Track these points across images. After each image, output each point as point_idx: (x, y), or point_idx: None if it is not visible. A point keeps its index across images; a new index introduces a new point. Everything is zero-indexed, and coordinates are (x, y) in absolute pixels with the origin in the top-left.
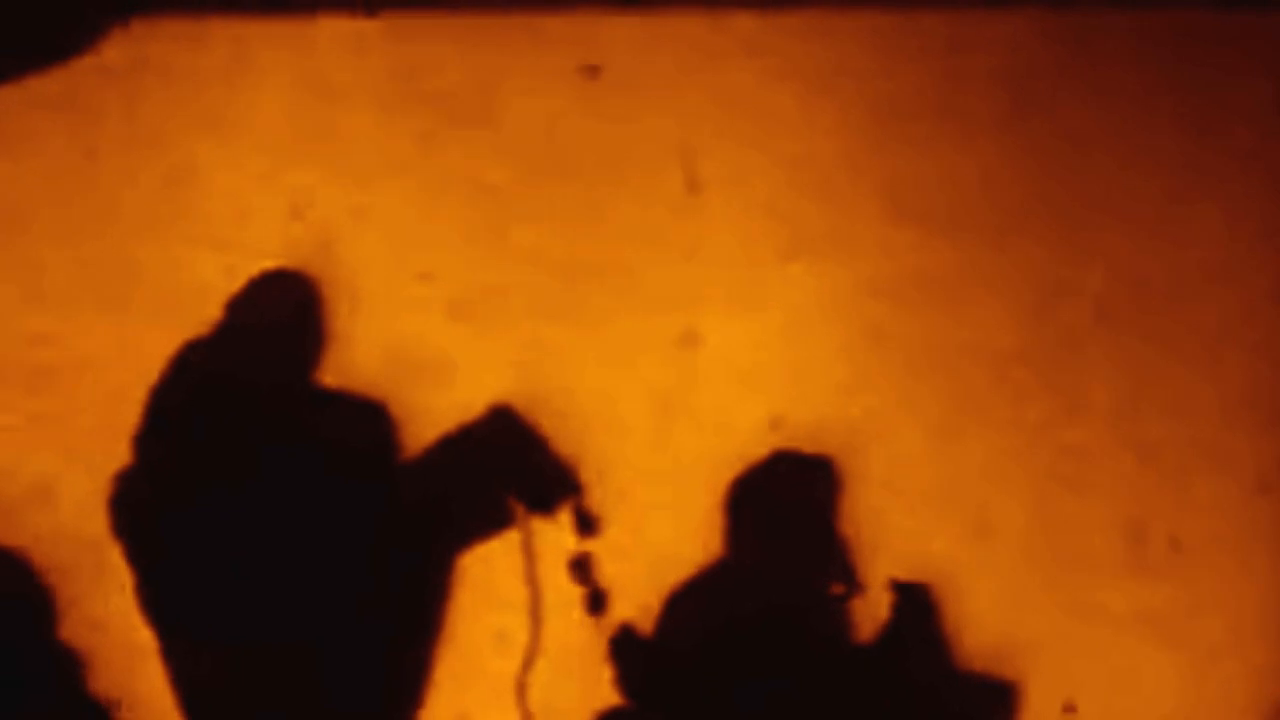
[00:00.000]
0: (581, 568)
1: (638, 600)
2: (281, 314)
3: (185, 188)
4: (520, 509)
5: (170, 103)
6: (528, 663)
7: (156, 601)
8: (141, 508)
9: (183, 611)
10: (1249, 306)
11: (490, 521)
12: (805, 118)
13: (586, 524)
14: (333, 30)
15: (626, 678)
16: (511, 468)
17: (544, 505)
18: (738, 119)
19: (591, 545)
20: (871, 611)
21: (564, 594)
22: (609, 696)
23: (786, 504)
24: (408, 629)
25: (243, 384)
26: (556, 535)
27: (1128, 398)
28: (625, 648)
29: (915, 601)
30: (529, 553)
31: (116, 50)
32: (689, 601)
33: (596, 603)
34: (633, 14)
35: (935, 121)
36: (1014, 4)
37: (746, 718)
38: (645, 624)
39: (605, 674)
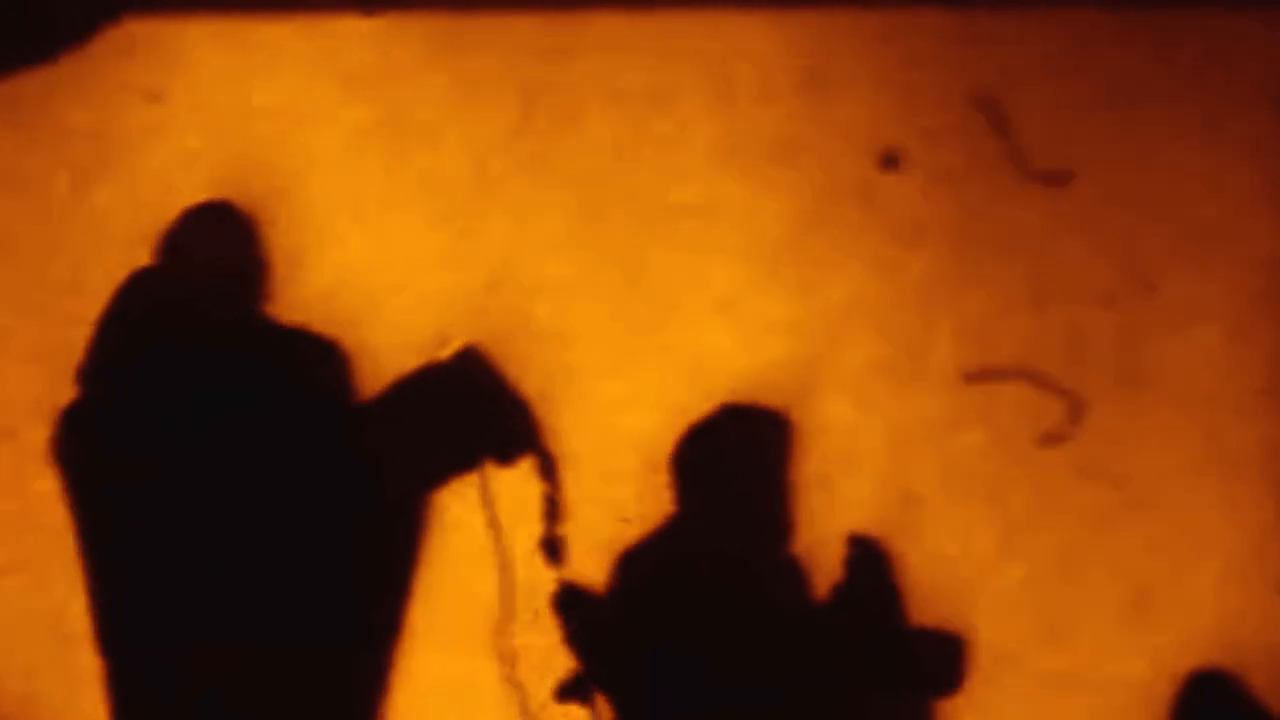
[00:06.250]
0: (551, 509)
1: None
2: (230, 246)
3: None
4: (481, 454)
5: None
6: (506, 614)
7: (96, 542)
8: (88, 445)
9: (123, 550)
10: None
11: (449, 466)
12: None
13: (549, 473)
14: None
15: (576, 635)
16: (472, 411)
17: (504, 453)
18: None
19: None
20: (827, 565)
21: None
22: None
23: (737, 458)
24: (365, 568)
25: (191, 318)
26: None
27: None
28: (570, 604)
29: (870, 554)
30: (488, 500)
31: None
32: (643, 559)
33: (552, 550)
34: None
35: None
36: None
37: (703, 675)
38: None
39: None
